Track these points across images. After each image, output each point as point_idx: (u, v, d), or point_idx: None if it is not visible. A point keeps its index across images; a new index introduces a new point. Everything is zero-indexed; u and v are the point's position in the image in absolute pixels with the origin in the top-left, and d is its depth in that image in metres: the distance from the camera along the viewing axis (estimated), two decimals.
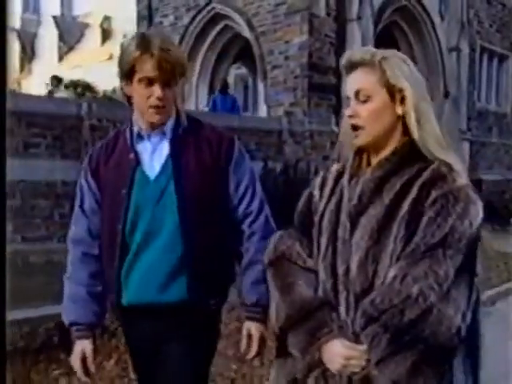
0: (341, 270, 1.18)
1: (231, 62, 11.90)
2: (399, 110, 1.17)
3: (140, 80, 1.38)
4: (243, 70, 14.33)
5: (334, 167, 1.31)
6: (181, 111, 1.52)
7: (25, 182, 5.25)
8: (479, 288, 1.18)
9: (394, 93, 1.17)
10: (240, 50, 11.39)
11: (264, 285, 1.41)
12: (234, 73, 13.74)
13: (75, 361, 1.51)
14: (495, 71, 13.25)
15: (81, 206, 1.54)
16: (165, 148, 1.47)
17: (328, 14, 8.83)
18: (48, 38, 28.78)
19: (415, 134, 1.15)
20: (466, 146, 11.36)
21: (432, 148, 1.15)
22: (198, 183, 1.45)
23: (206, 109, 9.30)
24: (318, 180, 1.36)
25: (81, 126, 5.57)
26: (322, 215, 1.27)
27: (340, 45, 8.83)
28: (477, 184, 10.91)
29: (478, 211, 1.10)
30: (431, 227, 1.08)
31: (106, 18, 24.76)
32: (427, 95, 1.19)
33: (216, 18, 10.50)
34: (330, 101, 9.01)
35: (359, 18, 8.95)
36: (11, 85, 27.97)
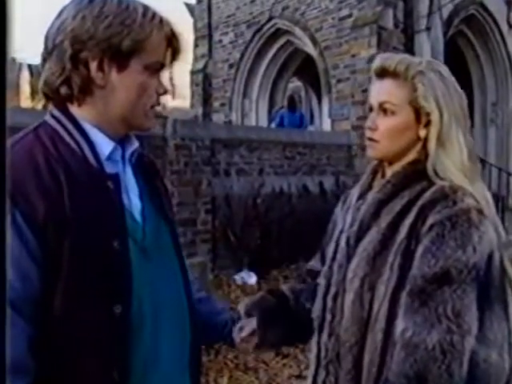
0: (331, 293, 1.14)
1: (290, 77, 11.89)
2: (422, 133, 1.10)
3: (148, 66, 0.94)
4: (296, 84, 14.32)
5: (360, 182, 1.23)
6: None
7: None
8: None
9: (420, 114, 1.09)
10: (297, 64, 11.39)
11: None
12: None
13: None
14: None
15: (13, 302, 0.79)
16: (128, 171, 1.00)
17: (396, 26, 8.69)
18: None
19: (430, 160, 1.07)
20: None
21: (449, 173, 1.06)
22: (173, 220, 1.09)
23: (273, 125, 9.30)
24: (342, 196, 1.30)
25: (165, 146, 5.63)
26: (331, 235, 1.23)
27: None
28: None
29: (482, 235, 0.98)
30: (427, 258, 0.98)
31: None
32: (462, 114, 1.10)
33: (277, 33, 10.51)
34: None
35: (428, 28, 8.76)
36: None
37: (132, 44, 0.91)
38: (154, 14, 0.94)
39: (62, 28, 0.90)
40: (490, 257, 0.99)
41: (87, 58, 0.90)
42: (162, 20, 0.95)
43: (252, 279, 5.73)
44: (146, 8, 0.94)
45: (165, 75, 1.00)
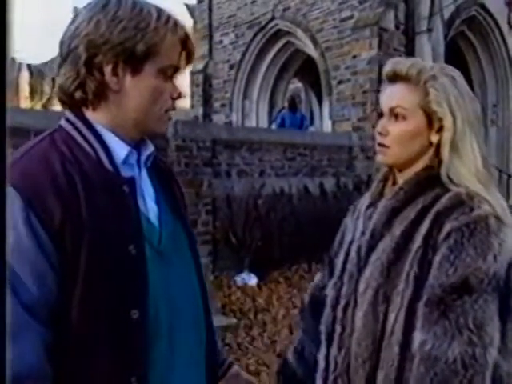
0: (341, 304, 1.10)
1: (291, 78, 11.88)
2: (434, 139, 1.07)
3: (162, 70, 0.92)
4: (296, 85, 14.31)
5: (369, 190, 1.19)
6: None
7: None
8: None
9: (432, 119, 1.06)
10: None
11: None
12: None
13: None
14: None
15: (17, 295, 0.79)
16: (144, 175, 0.99)
17: (397, 28, 8.69)
18: None
19: (444, 166, 1.04)
20: None
21: (464, 179, 1.03)
22: (188, 225, 1.08)
23: (273, 126, 9.29)
24: (352, 206, 1.26)
25: (167, 147, 5.61)
26: (341, 245, 1.19)
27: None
28: None
29: (502, 243, 0.95)
30: (445, 267, 0.94)
31: None
32: (475, 119, 1.07)
33: (278, 34, 10.52)
34: None
35: (429, 30, 8.76)
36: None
37: (146, 48, 0.89)
38: (169, 17, 0.92)
39: (77, 33, 0.90)
40: (510, 265, 0.95)
41: (102, 62, 0.89)
42: (176, 23, 0.93)
43: (253, 280, 5.71)
44: (160, 11, 0.92)
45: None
